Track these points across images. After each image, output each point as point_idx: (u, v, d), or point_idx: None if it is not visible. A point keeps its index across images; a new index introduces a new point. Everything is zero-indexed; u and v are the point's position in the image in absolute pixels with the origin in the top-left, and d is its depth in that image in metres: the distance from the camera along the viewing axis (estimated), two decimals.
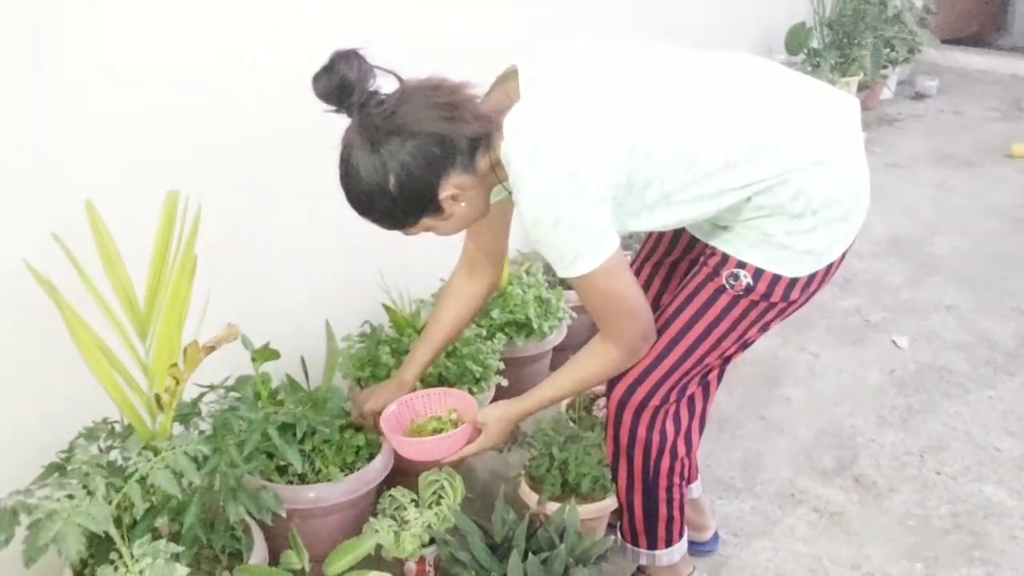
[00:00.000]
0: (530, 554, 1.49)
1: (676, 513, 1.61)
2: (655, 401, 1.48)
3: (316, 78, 1.24)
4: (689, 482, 1.78)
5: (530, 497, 1.79)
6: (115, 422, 1.46)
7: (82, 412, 1.46)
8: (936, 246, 3.40)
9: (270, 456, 1.66)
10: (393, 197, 1.28)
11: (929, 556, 1.90)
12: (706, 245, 1.46)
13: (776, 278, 1.39)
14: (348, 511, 1.71)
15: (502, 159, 1.30)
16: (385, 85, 1.29)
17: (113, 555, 1.31)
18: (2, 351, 1.46)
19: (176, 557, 1.30)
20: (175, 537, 1.41)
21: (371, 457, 1.75)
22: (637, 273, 1.68)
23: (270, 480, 1.66)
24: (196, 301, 1.44)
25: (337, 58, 1.24)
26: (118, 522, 1.35)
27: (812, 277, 1.41)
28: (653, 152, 1.29)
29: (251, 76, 1.75)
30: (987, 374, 2.58)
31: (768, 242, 1.37)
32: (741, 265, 1.40)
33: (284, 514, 1.48)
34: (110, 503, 1.30)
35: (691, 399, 1.55)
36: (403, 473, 1.80)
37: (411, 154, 1.25)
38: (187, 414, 1.51)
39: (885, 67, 4.80)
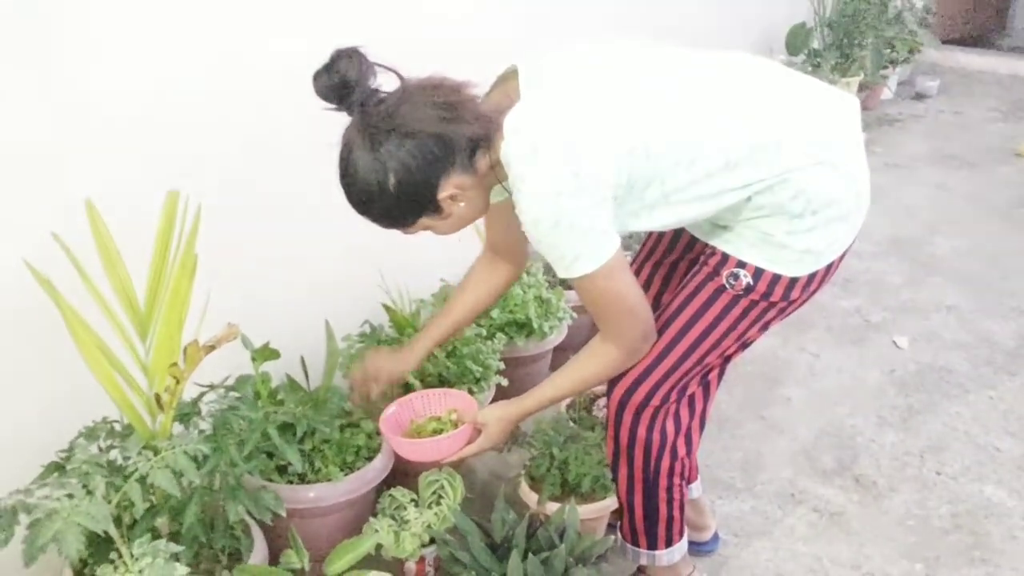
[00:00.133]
0: (530, 554, 1.49)
1: (676, 513, 1.61)
2: (655, 401, 1.48)
3: (316, 76, 1.24)
4: (689, 482, 1.78)
5: (530, 497, 1.79)
6: (115, 421, 1.46)
7: (82, 411, 1.46)
8: (936, 246, 3.40)
9: (270, 456, 1.66)
10: (392, 196, 1.28)
11: (929, 556, 1.90)
12: (706, 245, 1.46)
13: (776, 277, 1.39)
14: (348, 511, 1.71)
15: (502, 159, 1.30)
16: (386, 84, 1.29)
17: (113, 554, 1.31)
18: (2, 350, 1.46)
19: (176, 557, 1.30)
20: (175, 537, 1.41)
21: (371, 457, 1.75)
22: (637, 273, 1.68)
23: (270, 480, 1.67)
24: (196, 301, 1.44)
25: (338, 56, 1.24)
26: (118, 521, 1.35)
27: (812, 277, 1.41)
28: (653, 152, 1.29)
29: (251, 76, 1.74)
30: (987, 374, 2.58)
31: (768, 241, 1.37)
32: (741, 265, 1.40)
33: (284, 514, 1.48)
34: (110, 502, 1.30)
35: (691, 399, 1.55)
36: (403, 473, 1.80)
37: (411, 154, 1.25)
38: (187, 414, 1.51)
39: (885, 67, 4.81)
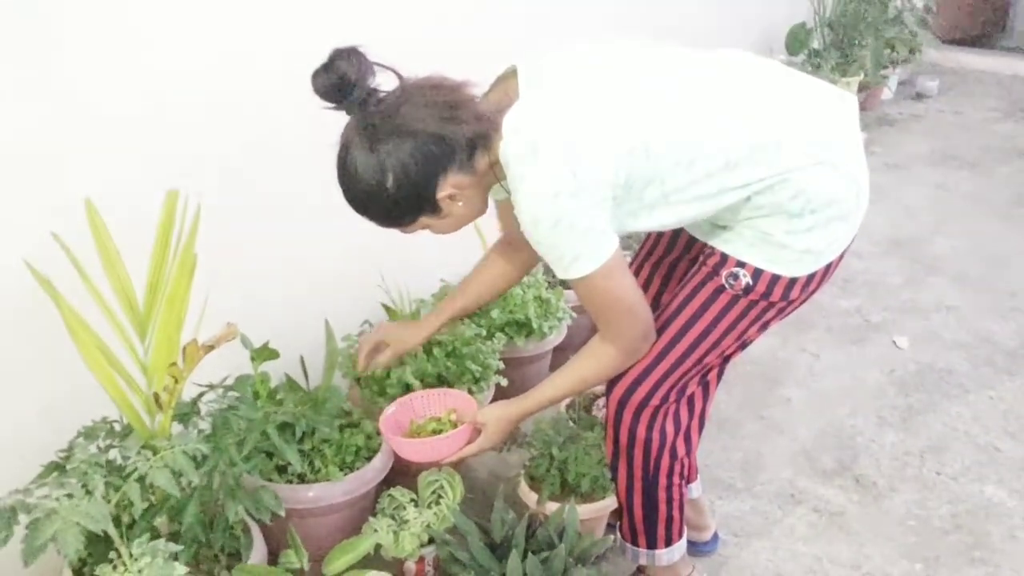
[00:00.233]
0: (529, 554, 1.48)
1: (676, 513, 1.61)
2: (655, 401, 1.48)
3: (315, 75, 1.24)
4: (689, 482, 1.78)
5: (529, 497, 1.79)
6: (114, 421, 1.46)
7: (81, 411, 1.46)
8: (936, 246, 3.40)
9: (269, 455, 1.66)
10: (390, 196, 1.28)
11: (929, 556, 1.90)
12: (705, 244, 1.46)
13: (775, 277, 1.39)
14: (347, 511, 1.71)
15: (501, 159, 1.30)
16: (385, 83, 1.29)
17: (112, 554, 1.31)
18: (2, 350, 1.46)
19: (175, 556, 1.30)
20: (174, 536, 1.41)
21: (370, 457, 1.75)
22: (637, 272, 1.68)
23: (269, 480, 1.66)
24: (195, 300, 1.44)
25: (336, 55, 1.24)
26: (117, 521, 1.35)
27: (811, 276, 1.41)
28: (653, 152, 1.29)
29: (251, 76, 1.75)
30: (987, 374, 2.58)
31: (767, 241, 1.37)
32: (740, 264, 1.39)
33: (283, 513, 1.48)
34: (109, 502, 1.30)
35: (691, 399, 1.54)
36: (402, 473, 1.80)
37: (409, 153, 1.25)
38: (186, 413, 1.51)
39: (885, 67, 4.80)
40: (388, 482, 1.76)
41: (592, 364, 1.45)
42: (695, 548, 1.83)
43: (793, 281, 1.40)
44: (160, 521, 1.43)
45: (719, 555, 1.88)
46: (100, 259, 1.40)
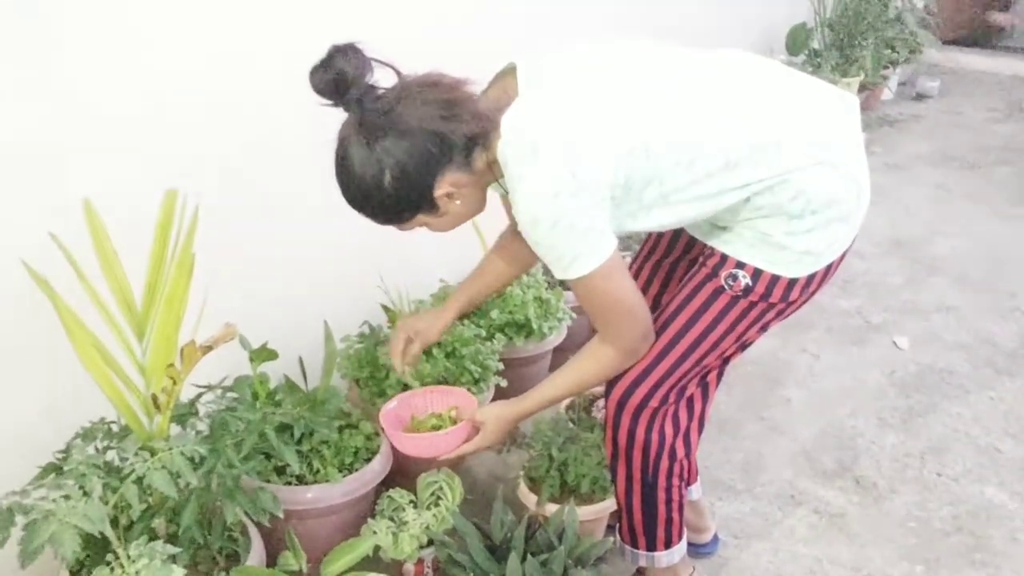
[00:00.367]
0: (529, 556, 1.48)
1: (675, 515, 1.60)
2: (654, 402, 1.47)
3: (313, 71, 1.24)
4: (688, 484, 1.78)
5: (529, 498, 1.79)
6: (112, 422, 1.45)
7: (79, 412, 1.46)
8: (937, 247, 3.40)
9: (268, 457, 1.66)
10: (388, 194, 1.27)
11: (930, 558, 1.90)
12: (705, 245, 1.45)
13: (775, 278, 1.38)
14: (346, 512, 1.70)
15: (499, 158, 1.29)
16: (383, 80, 1.28)
17: (109, 556, 1.30)
18: (1, 350, 1.45)
19: (173, 558, 1.29)
20: (172, 538, 1.41)
21: (369, 458, 1.75)
22: (637, 273, 1.67)
23: (268, 481, 1.66)
24: (194, 301, 1.43)
25: (335, 52, 1.23)
26: (115, 523, 1.34)
27: (811, 277, 1.40)
28: (653, 152, 1.28)
29: (250, 75, 1.74)
30: (988, 375, 2.57)
31: (767, 242, 1.36)
32: (740, 265, 1.39)
33: (281, 515, 1.48)
34: (107, 504, 1.29)
35: (690, 400, 1.54)
36: (402, 474, 1.80)
37: (407, 151, 1.25)
38: (184, 414, 1.51)
39: (886, 68, 4.80)
40: (387, 483, 1.75)
41: (591, 365, 1.44)
42: (695, 550, 1.82)
43: (793, 282, 1.39)
44: (158, 523, 1.42)
45: (719, 557, 1.88)
46: (98, 259, 1.39)
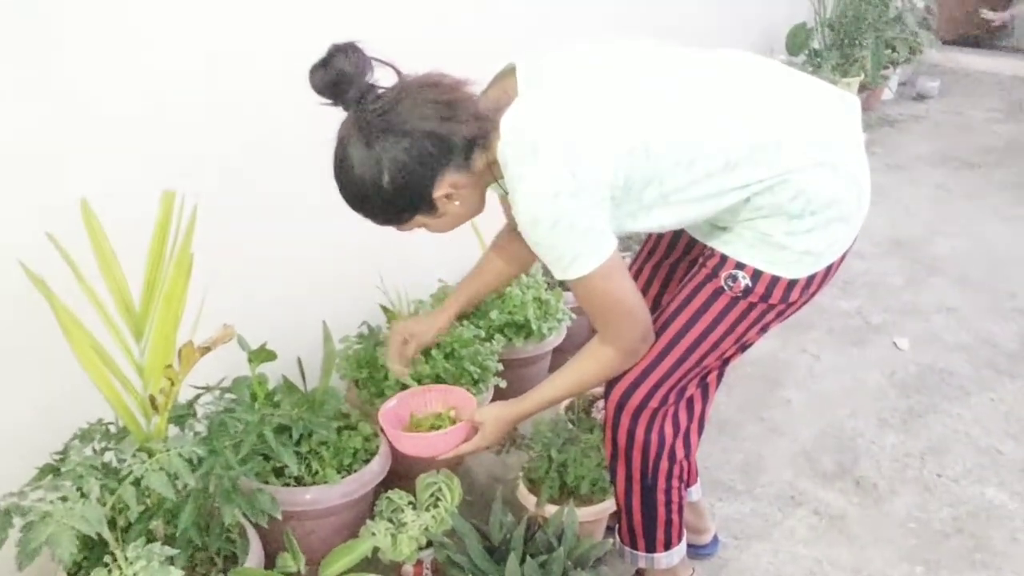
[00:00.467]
0: (528, 557, 1.48)
1: (675, 516, 1.60)
2: (653, 403, 1.47)
3: (313, 71, 1.23)
4: (688, 485, 1.77)
5: (528, 499, 1.78)
6: (110, 423, 1.45)
7: (77, 413, 1.45)
8: (937, 247, 3.39)
9: (267, 458, 1.65)
10: (387, 194, 1.27)
11: (930, 559, 1.89)
12: (705, 246, 1.45)
13: (775, 279, 1.38)
14: (345, 513, 1.70)
15: (498, 158, 1.29)
16: (383, 79, 1.28)
17: (107, 558, 1.30)
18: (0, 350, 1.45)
19: (171, 560, 1.29)
20: (170, 540, 1.40)
21: (368, 459, 1.74)
22: (637, 273, 1.67)
23: (266, 482, 1.65)
24: (192, 301, 1.43)
25: (335, 51, 1.23)
26: (112, 524, 1.34)
27: (811, 278, 1.40)
28: (653, 152, 1.28)
29: (248, 75, 1.74)
30: (988, 376, 2.57)
31: (767, 242, 1.36)
32: (740, 266, 1.39)
33: (280, 516, 1.47)
34: (104, 505, 1.29)
35: (690, 401, 1.53)
36: (401, 475, 1.79)
37: (406, 152, 1.24)
38: (182, 415, 1.50)
39: (886, 68, 4.80)
40: (386, 484, 1.75)
41: (591, 365, 1.44)
42: (695, 551, 1.82)
43: (793, 283, 1.39)
44: (156, 524, 1.42)
45: (719, 558, 1.88)
46: (96, 259, 1.39)
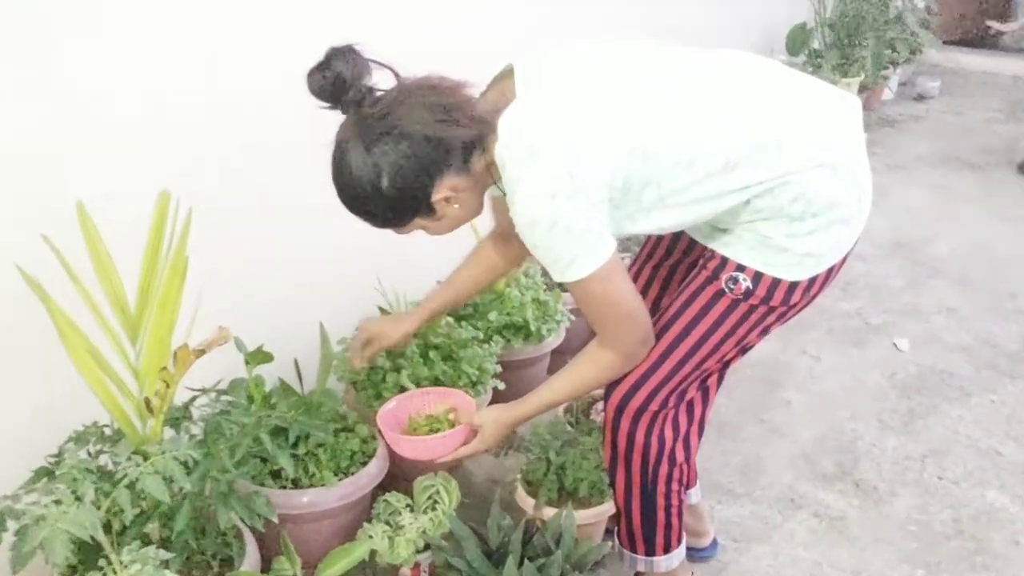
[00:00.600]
0: (526, 560, 1.47)
1: (674, 519, 1.59)
2: (653, 406, 1.46)
3: (310, 74, 1.22)
4: (688, 487, 1.76)
5: (527, 502, 1.77)
6: (105, 426, 1.44)
7: (76, 415, 1.44)
8: (937, 248, 3.38)
9: (264, 460, 1.64)
10: (385, 197, 1.26)
11: (931, 562, 1.88)
12: (705, 248, 1.44)
13: (776, 282, 1.37)
14: (342, 516, 1.69)
15: (496, 160, 1.28)
16: (382, 81, 1.27)
17: (102, 561, 1.29)
18: None
19: (166, 564, 1.28)
20: (165, 543, 1.40)
21: (365, 462, 1.73)
22: (636, 275, 1.66)
23: (263, 485, 1.65)
24: (188, 303, 1.42)
25: (332, 54, 1.22)
26: (107, 528, 1.33)
27: (813, 280, 1.39)
28: (652, 152, 1.27)
29: (245, 76, 1.73)
30: (989, 377, 2.56)
31: (767, 245, 1.35)
32: (740, 268, 1.38)
33: (276, 519, 1.46)
34: (99, 508, 1.28)
35: (690, 404, 1.53)
36: (398, 478, 1.78)
37: (405, 155, 1.23)
38: (178, 418, 1.49)
39: (886, 68, 4.79)
40: (384, 487, 1.74)
41: (590, 369, 1.43)
42: (694, 554, 1.81)
43: (794, 285, 1.38)
44: (151, 528, 1.41)
45: (718, 561, 1.87)
46: (91, 261, 1.38)
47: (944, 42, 5.35)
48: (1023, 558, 1.89)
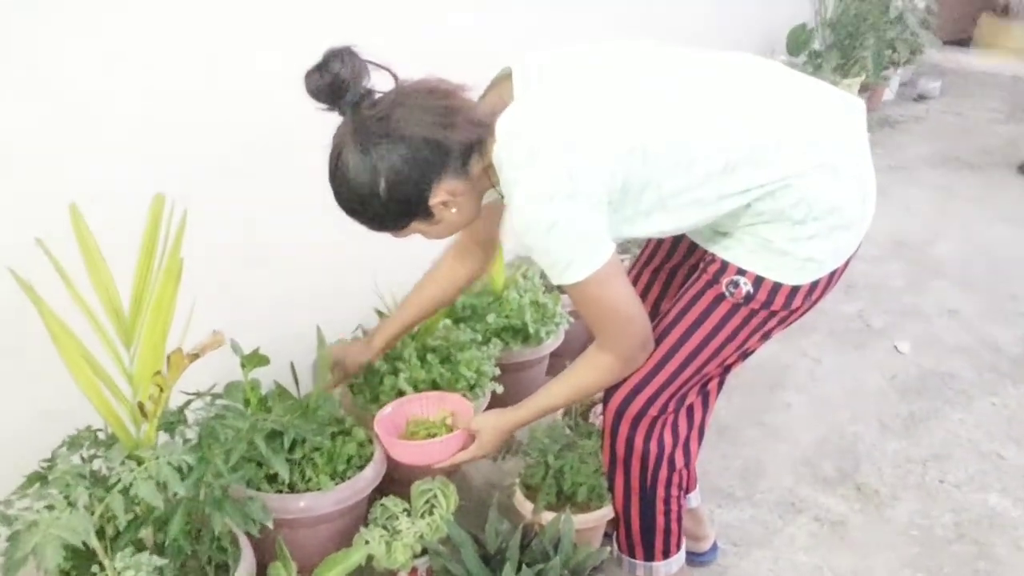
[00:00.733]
0: (524, 565, 1.46)
1: (674, 524, 1.58)
2: (653, 411, 1.44)
3: (308, 75, 1.21)
4: (687, 492, 1.75)
5: (525, 506, 1.76)
6: (99, 430, 1.42)
7: (65, 420, 1.43)
8: (939, 249, 3.37)
9: (259, 465, 1.63)
10: (382, 201, 1.25)
11: (932, 566, 1.87)
12: (706, 251, 1.43)
13: (777, 286, 1.36)
14: (339, 521, 1.67)
15: (494, 162, 1.27)
16: (380, 83, 1.26)
17: (95, 567, 1.28)
18: None
19: (160, 570, 1.27)
20: (159, 549, 1.38)
21: (362, 466, 1.72)
22: (636, 278, 1.65)
23: (259, 489, 1.63)
24: (182, 307, 1.40)
25: (330, 55, 1.21)
26: (101, 533, 1.32)
27: (814, 285, 1.38)
28: (651, 153, 1.26)
29: (241, 78, 1.71)
30: (991, 380, 2.55)
31: (768, 248, 1.34)
32: (741, 272, 1.36)
33: (271, 524, 1.45)
34: (92, 514, 1.26)
35: (690, 409, 1.51)
36: (395, 482, 1.77)
37: (403, 159, 1.22)
38: (172, 423, 1.48)
39: (887, 68, 4.79)
40: (381, 491, 1.73)
41: (589, 373, 1.42)
42: (694, 558, 1.80)
43: (795, 289, 1.37)
44: (145, 533, 1.39)
45: (718, 565, 1.85)
46: (84, 264, 1.36)
47: (945, 42, 5.35)
48: None
